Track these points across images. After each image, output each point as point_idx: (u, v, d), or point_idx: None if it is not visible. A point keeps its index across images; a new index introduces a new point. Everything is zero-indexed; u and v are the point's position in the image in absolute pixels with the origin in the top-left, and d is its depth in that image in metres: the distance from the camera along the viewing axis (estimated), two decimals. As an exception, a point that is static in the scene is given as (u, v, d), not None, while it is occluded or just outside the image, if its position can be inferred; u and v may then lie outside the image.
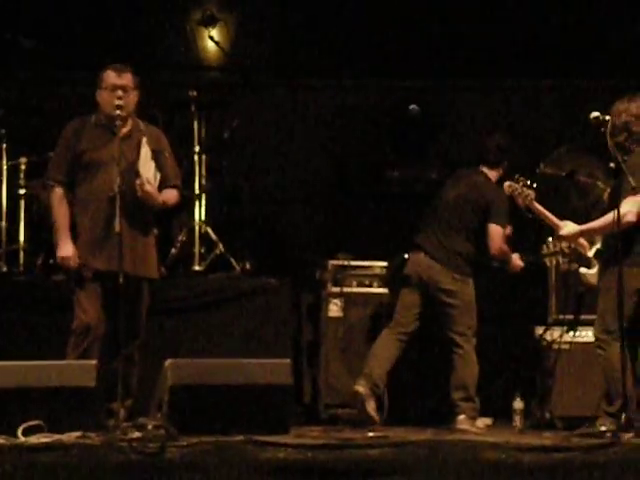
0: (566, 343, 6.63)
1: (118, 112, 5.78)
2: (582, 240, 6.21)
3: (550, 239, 6.56)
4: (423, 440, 5.33)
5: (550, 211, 6.25)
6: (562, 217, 6.14)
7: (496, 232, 6.52)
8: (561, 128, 7.97)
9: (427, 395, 6.91)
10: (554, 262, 6.43)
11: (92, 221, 5.82)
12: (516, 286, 7.60)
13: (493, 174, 6.64)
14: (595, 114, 5.85)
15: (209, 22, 8.04)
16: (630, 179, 5.62)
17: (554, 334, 6.67)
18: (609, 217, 5.70)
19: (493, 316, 7.73)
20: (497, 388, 7.03)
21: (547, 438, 5.65)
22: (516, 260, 6.66)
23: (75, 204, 5.88)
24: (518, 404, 6.53)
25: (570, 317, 6.67)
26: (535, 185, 6.27)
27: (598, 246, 6.09)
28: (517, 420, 6.51)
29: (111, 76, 5.88)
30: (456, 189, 6.64)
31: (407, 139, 8.07)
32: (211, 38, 8.05)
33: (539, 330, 6.76)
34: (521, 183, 6.32)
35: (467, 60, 8.10)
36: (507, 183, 6.36)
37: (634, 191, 5.66)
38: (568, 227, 6.03)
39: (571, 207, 6.32)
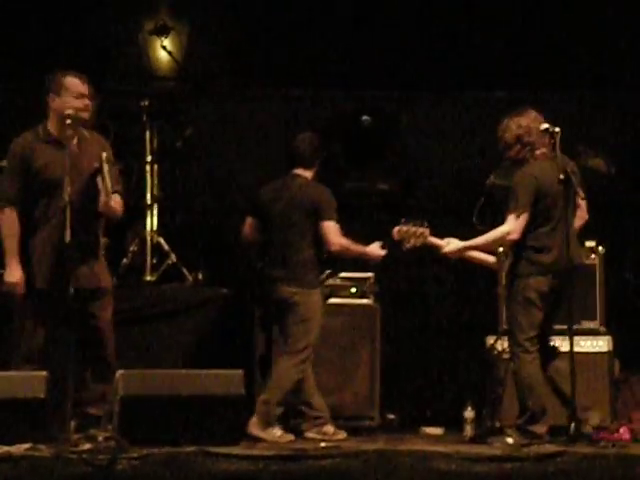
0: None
1: (83, 115, 5.70)
2: (483, 255, 6.33)
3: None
4: (374, 450, 5.35)
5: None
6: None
7: (330, 228, 6.47)
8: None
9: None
10: (503, 272, 6.46)
11: (45, 240, 5.70)
12: (467, 295, 7.67)
13: (309, 174, 6.65)
14: (545, 125, 5.95)
15: (162, 32, 8.02)
16: (512, 197, 5.97)
17: (504, 344, 6.71)
18: (492, 234, 6.06)
19: (443, 326, 7.82)
20: (448, 398, 7.08)
21: (497, 448, 5.68)
22: (373, 250, 6.61)
23: (28, 225, 5.73)
24: (469, 413, 6.56)
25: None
26: (425, 223, 6.27)
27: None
28: (468, 429, 6.54)
29: (76, 83, 5.76)
30: (280, 201, 6.61)
31: (359, 150, 8.09)
32: (164, 48, 8.03)
33: (490, 340, 6.80)
34: (411, 224, 6.27)
35: (419, 71, 8.14)
36: (396, 229, 6.24)
37: (515, 210, 5.96)
38: (451, 245, 6.16)
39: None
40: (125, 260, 7.26)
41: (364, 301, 7.07)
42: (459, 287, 7.82)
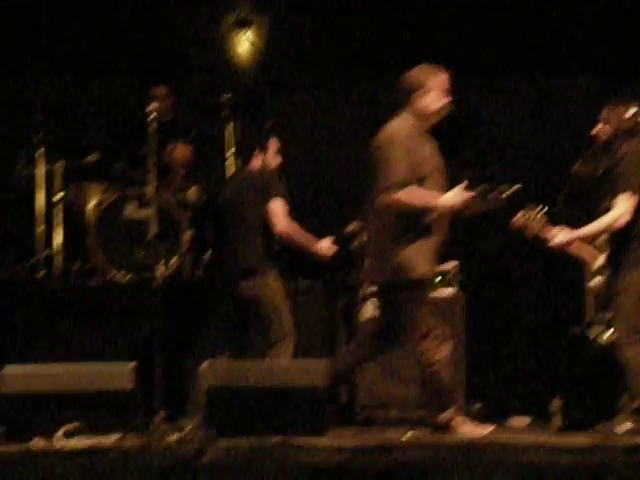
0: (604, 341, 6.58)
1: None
2: (589, 249, 6.18)
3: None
4: (459, 442, 5.31)
5: (584, 211, 6.19)
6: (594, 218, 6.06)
7: (276, 209, 6.41)
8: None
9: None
10: (595, 264, 6.33)
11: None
12: (553, 285, 7.58)
13: (256, 162, 6.68)
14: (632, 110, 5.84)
15: (243, 24, 8.06)
16: (622, 177, 5.74)
17: (594, 333, 6.61)
18: (604, 221, 5.81)
19: (529, 315, 7.74)
20: (535, 388, 7.00)
21: (586, 438, 5.61)
22: (322, 246, 6.53)
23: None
24: (556, 403, 6.48)
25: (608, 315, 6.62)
26: (542, 210, 6.13)
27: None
28: (556, 420, 6.46)
29: (445, 79, 5.88)
30: (228, 189, 6.67)
31: (441, 140, 8.03)
32: (247, 40, 8.04)
33: (577, 329, 6.70)
34: (530, 211, 6.14)
35: (500, 59, 8.07)
36: (516, 216, 6.09)
37: (626, 190, 5.73)
38: (560, 235, 5.94)
39: (605, 207, 6.25)
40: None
41: (449, 290, 7.02)
42: (544, 276, 7.73)
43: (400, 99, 5.91)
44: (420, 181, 5.76)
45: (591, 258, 6.28)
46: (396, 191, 5.69)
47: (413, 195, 5.71)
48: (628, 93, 6.48)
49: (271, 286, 6.44)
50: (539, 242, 6.09)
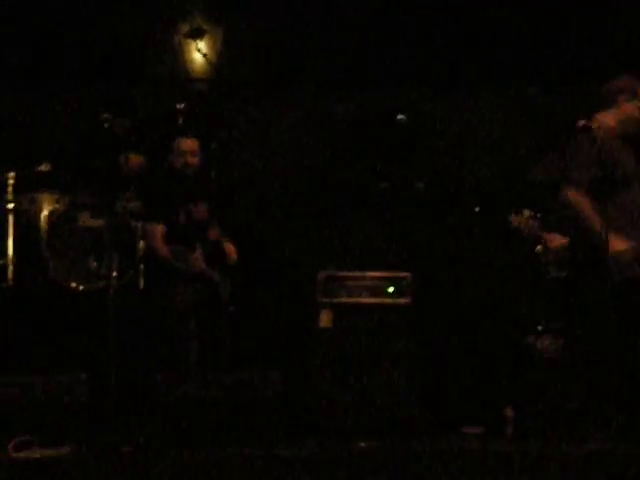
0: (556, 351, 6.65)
1: None
2: None
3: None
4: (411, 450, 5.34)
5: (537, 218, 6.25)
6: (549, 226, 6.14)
7: (150, 232, 6.51)
8: (546, 136, 8.00)
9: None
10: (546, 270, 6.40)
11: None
12: (504, 294, 7.64)
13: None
14: (582, 122, 5.91)
15: (196, 35, 8.05)
16: None
17: (544, 342, 6.68)
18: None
19: (482, 325, 7.79)
20: (487, 397, 7.05)
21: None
22: (196, 258, 6.58)
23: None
24: (509, 412, 6.54)
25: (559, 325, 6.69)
26: (537, 214, 6.21)
27: None
28: (508, 428, 6.52)
29: None
30: None
31: (395, 149, 8.09)
32: (199, 50, 8.06)
33: (530, 338, 6.77)
34: (525, 213, 6.21)
35: (454, 70, 8.13)
36: (513, 217, 6.22)
37: None
38: (555, 241, 6.07)
39: (558, 215, 6.32)
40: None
41: (402, 300, 7.06)
42: (497, 286, 7.79)
43: (605, 100, 5.98)
44: (612, 184, 5.78)
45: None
46: (572, 189, 5.73)
47: (583, 205, 5.74)
48: (576, 102, 6.59)
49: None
50: (533, 242, 6.18)
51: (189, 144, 6.85)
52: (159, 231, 6.56)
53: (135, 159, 7.36)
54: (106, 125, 5.81)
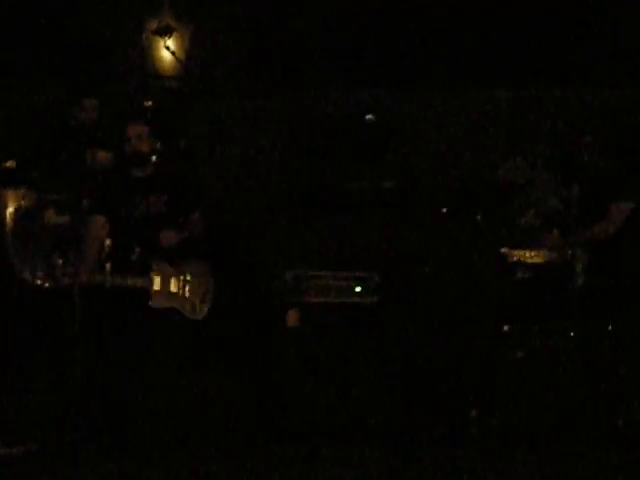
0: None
1: None
2: None
3: None
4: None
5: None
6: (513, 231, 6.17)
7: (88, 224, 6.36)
8: (515, 138, 8.04)
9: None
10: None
11: None
12: (471, 293, 7.65)
13: None
14: None
15: (164, 32, 8.04)
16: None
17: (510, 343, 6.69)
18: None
19: (448, 325, 7.80)
20: (454, 398, 7.04)
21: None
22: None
23: None
24: (474, 413, 6.53)
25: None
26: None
27: None
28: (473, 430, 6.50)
29: None
30: None
31: (363, 149, 8.09)
32: (167, 48, 8.04)
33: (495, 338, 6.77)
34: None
35: (423, 70, 8.15)
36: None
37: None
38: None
39: (525, 221, 6.36)
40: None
41: (369, 300, 7.05)
42: (465, 286, 7.80)
43: None
44: None
45: None
46: None
47: None
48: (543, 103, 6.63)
49: None
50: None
51: (135, 129, 6.39)
52: (98, 223, 6.24)
53: (102, 155, 7.33)
54: (72, 122, 5.76)
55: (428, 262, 7.68)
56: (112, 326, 6.11)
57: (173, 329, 6.72)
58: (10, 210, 7.07)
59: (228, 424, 5.82)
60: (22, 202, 7.11)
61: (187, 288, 6.19)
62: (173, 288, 6.13)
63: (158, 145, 6.45)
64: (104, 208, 6.25)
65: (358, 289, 7.07)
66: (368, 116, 8.03)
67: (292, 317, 6.95)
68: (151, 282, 6.00)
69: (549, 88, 8.00)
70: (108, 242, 6.14)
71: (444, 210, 7.65)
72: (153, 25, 8.15)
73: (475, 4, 8.13)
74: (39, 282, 6.68)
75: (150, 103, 7.46)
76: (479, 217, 6.50)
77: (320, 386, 6.64)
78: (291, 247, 7.88)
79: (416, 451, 5.88)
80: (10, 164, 7.22)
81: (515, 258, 6.64)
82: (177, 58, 8.08)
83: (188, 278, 6.20)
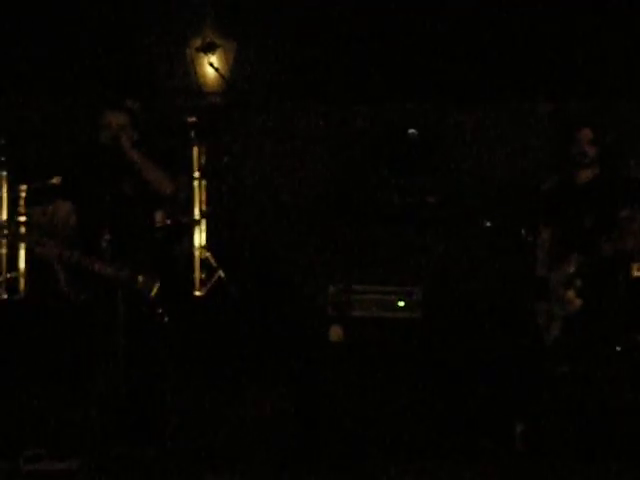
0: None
1: None
2: None
3: None
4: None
5: None
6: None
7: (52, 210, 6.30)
8: (555, 148, 8.01)
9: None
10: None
11: None
12: (517, 309, 7.62)
13: None
14: None
15: (209, 49, 8.09)
16: None
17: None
18: None
19: (493, 339, 7.78)
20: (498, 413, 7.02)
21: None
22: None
23: None
24: (519, 428, 6.50)
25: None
26: None
27: None
28: (519, 444, 6.47)
29: None
30: None
31: (406, 163, 8.09)
32: (211, 65, 8.09)
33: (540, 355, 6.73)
34: None
35: (466, 84, 8.14)
36: None
37: None
38: None
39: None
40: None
41: (412, 314, 7.05)
42: (510, 300, 7.77)
43: None
44: None
45: None
46: None
47: None
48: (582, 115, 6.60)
49: None
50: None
51: (116, 117, 6.06)
52: (63, 209, 6.11)
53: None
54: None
55: (473, 277, 7.68)
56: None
57: (215, 343, 6.77)
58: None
59: (270, 440, 5.83)
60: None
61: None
62: None
63: (137, 137, 6.15)
64: (72, 194, 6.09)
65: (401, 304, 7.06)
66: (411, 130, 8.02)
67: (335, 332, 6.97)
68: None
69: (590, 100, 7.97)
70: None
71: (488, 224, 7.64)
72: (197, 42, 8.21)
73: (516, 18, 8.10)
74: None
75: (194, 119, 7.52)
76: (523, 231, 6.47)
77: (363, 401, 6.63)
78: (334, 261, 7.90)
79: (459, 466, 5.86)
80: (56, 180, 7.30)
81: None
82: (221, 74, 8.13)
83: None
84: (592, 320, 6.03)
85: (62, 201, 6.14)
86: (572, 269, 6.05)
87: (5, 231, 6.45)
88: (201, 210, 7.55)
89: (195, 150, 7.54)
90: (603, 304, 6.02)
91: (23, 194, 7.24)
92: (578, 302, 6.05)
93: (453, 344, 7.68)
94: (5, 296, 7.10)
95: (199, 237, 7.50)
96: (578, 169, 6.14)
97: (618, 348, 6.07)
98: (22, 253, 7.17)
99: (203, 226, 7.53)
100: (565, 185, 6.23)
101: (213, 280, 7.36)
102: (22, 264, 7.15)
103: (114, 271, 5.76)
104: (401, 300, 7.06)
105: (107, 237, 5.73)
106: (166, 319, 5.86)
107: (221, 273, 7.36)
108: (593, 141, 6.10)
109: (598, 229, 6.03)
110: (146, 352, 5.79)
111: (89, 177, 6.03)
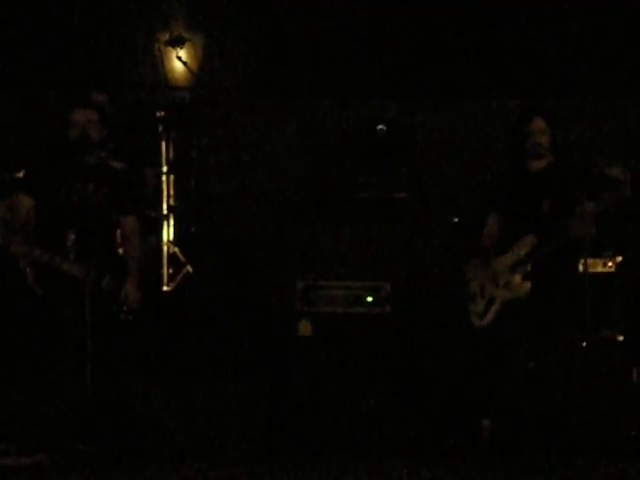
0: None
1: None
2: None
3: None
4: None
5: None
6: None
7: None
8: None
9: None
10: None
11: None
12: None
13: None
14: None
15: (177, 43, 8.06)
16: None
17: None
18: None
19: (462, 335, 7.80)
20: (466, 409, 7.05)
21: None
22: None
23: None
24: (486, 424, 6.52)
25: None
26: None
27: None
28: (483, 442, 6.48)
29: None
30: None
31: (375, 159, 8.10)
32: (179, 58, 8.06)
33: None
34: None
35: (434, 80, 8.16)
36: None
37: None
38: None
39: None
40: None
41: (381, 310, 7.05)
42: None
43: None
44: None
45: None
46: None
47: None
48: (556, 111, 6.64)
49: None
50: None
51: (85, 114, 5.96)
52: (24, 204, 5.96)
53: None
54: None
55: (440, 272, 7.70)
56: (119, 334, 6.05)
57: (183, 338, 6.76)
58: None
59: (239, 434, 5.83)
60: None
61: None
62: None
63: (106, 134, 6.07)
64: (35, 190, 6.00)
65: (369, 299, 7.08)
66: (379, 126, 8.03)
67: (304, 327, 6.97)
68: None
69: (560, 97, 8.01)
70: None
71: (455, 220, 7.66)
72: (165, 36, 8.17)
73: (488, 15, 8.13)
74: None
75: (162, 113, 7.49)
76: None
77: (331, 396, 6.64)
78: (302, 257, 7.90)
79: (427, 462, 5.88)
80: (21, 173, 7.24)
81: None
82: (189, 68, 8.10)
83: None
84: (541, 303, 6.06)
85: (24, 196, 6.02)
86: (525, 251, 6.08)
87: None
88: (169, 205, 7.53)
89: (163, 144, 7.51)
90: (553, 287, 6.05)
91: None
92: (527, 285, 6.09)
93: (421, 340, 7.71)
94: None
95: (167, 232, 7.47)
96: (532, 159, 6.18)
97: (584, 344, 6.11)
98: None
99: (171, 221, 7.51)
100: (519, 172, 6.26)
101: (181, 275, 7.34)
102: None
103: (80, 270, 5.72)
104: (369, 296, 7.07)
105: (72, 237, 5.71)
106: (130, 318, 5.84)
107: (189, 268, 7.34)
108: (545, 131, 6.15)
109: (556, 213, 6.07)
110: (113, 348, 5.77)
111: (54, 175, 5.97)
